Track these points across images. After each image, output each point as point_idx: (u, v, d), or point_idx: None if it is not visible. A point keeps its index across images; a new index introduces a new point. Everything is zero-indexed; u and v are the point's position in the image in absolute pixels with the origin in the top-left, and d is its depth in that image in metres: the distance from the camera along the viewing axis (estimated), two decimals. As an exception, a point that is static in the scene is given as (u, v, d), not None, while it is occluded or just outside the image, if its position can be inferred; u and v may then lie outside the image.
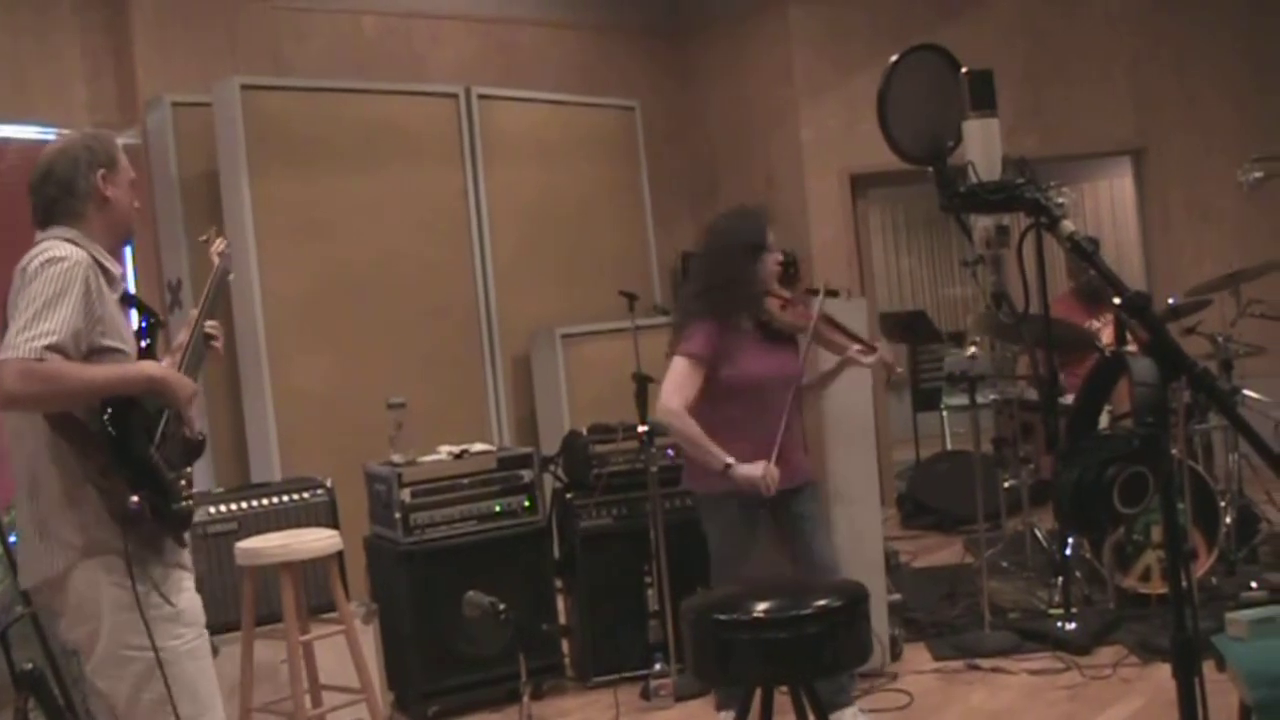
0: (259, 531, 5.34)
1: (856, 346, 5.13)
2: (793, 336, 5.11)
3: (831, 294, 5.27)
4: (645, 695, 5.79)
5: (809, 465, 5.17)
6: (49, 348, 3.20)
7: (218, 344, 3.95)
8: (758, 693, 4.04)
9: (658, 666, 5.81)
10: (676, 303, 5.34)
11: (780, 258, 5.10)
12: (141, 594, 3.39)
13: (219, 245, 4.15)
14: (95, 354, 3.37)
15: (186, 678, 3.51)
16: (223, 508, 5.51)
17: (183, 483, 3.54)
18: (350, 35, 8.63)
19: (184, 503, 3.53)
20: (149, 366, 3.51)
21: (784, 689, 4.06)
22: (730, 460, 4.81)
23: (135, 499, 3.33)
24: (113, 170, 3.60)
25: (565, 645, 6.21)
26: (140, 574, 3.40)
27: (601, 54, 10.07)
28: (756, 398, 4.92)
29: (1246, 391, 6.92)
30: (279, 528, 5.42)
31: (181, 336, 3.83)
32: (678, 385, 4.90)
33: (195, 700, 3.54)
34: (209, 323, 3.90)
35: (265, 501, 5.65)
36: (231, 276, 4.09)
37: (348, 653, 5.14)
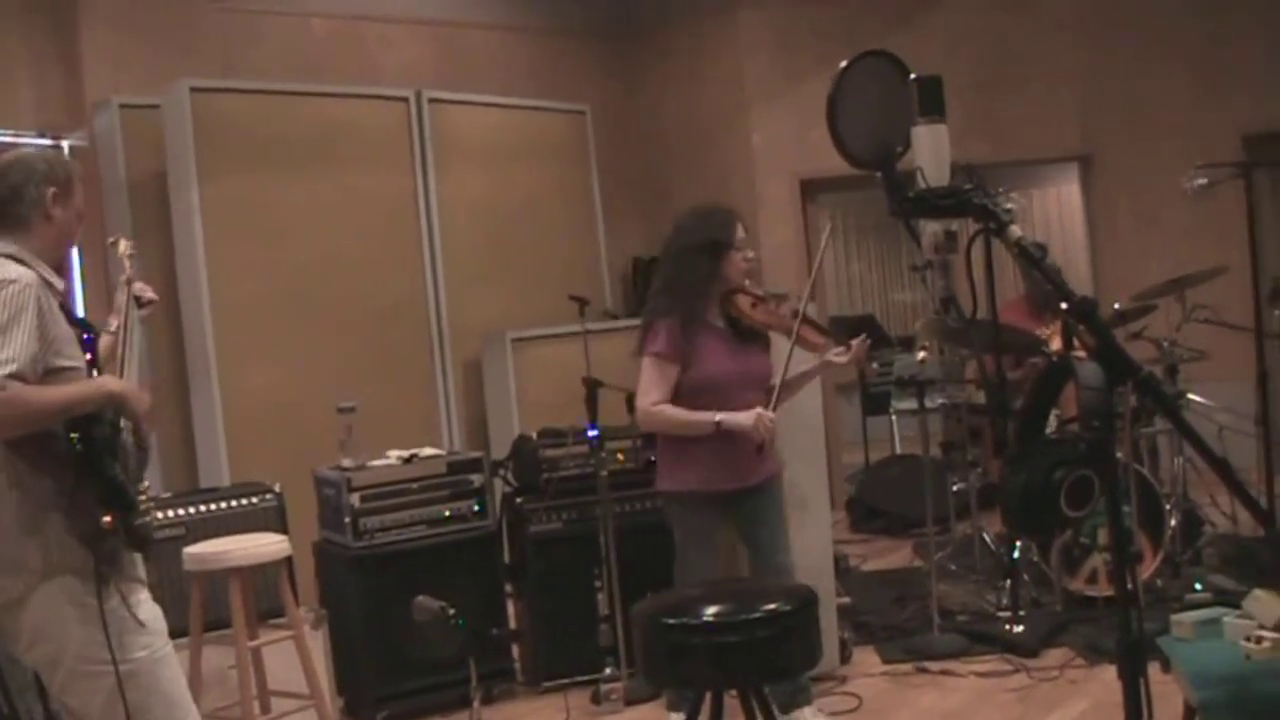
0: (207, 537, 5.31)
1: (836, 349, 5.09)
2: (763, 335, 5.09)
3: (780, 298, 5.27)
4: (596, 699, 5.78)
5: (775, 463, 5.16)
6: (10, 376, 3.17)
7: (147, 309, 3.97)
8: (708, 696, 4.05)
9: (608, 671, 5.81)
10: (644, 302, 5.31)
11: (750, 255, 5.08)
12: (107, 610, 3.37)
13: (125, 248, 4.13)
14: (50, 374, 3.35)
15: (162, 686, 3.50)
16: (171, 513, 5.47)
17: (143, 496, 3.52)
18: (300, 38, 8.59)
19: (146, 518, 3.52)
20: (108, 382, 3.50)
21: (734, 692, 4.07)
22: (717, 416, 4.79)
23: (108, 519, 3.32)
24: (65, 194, 3.58)
25: (516, 650, 6.21)
26: (105, 590, 3.38)
27: (552, 58, 10.07)
28: (721, 397, 4.89)
29: (1191, 396, 6.99)
30: (228, 533, 5.38)
31: (106, 340, 3.81)
32: (650, 384, 4.90)
33: (173, 706, 3.53)
34: (136, 285, 3.92)
35: (214, 506, 5.62)
36: (137, 285, 4.06)
37: (297, 658, 5.12)
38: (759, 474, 5.04)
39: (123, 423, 3.51)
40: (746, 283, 5.06)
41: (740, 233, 5.04)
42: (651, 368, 4.92)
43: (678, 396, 4.94)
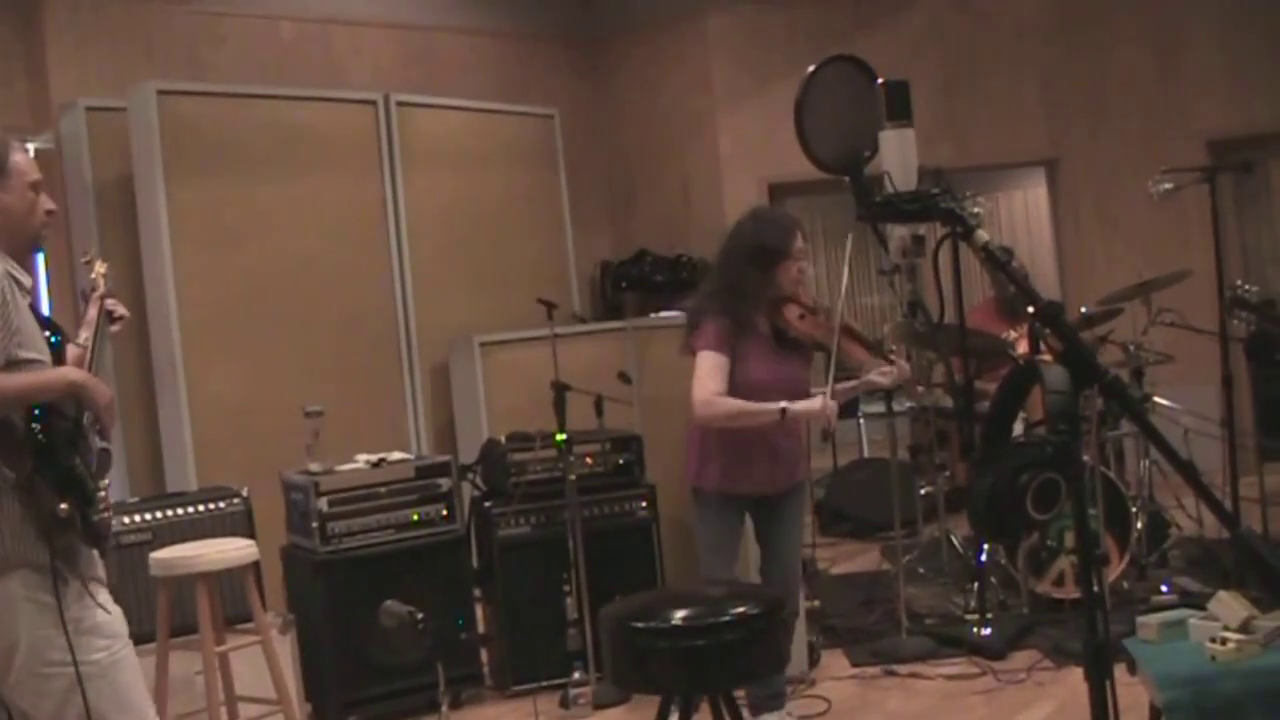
0: (174, 542, 5.29)
1: (882, 366, 5.06)
2: (805, 347, 5.06)
3: (827, 310, 5.26)
4: (564, 703, 5.78)
5: (802, 469, 5.17)
6: None
7: (118, 325, 3.95)
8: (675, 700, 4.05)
9: (576, 675, 5.80)
10: (689, 299, 5.27)
11: (803, 266, 5.05)
12: (62, 608, 3.35)
13: (100, 268, 4.11)
14: (13, 366, 3.33)
15: (116, 690, 3.47)
16: (137, 518, 5.45)
17: (101, 494, 3.50)
18: (267, 41, 8.58)
19: (104, 514, 3.50)
20: (70, 372, 3.49)
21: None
22: (783, 404, 4.74)
23: (64, 505, 3.30)
24: (3, 176, 3.50)
25: (484, 654, 6.20)
26: (63, 588, 3.36)
27: (520, 62, 10.08)
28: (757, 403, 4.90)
29: (1157, 399, 7.03)
30: (194, 538, 5.36)
31: (74, 351, 3.79)
32: (706, 375, 4.83)
33: (127, 711, 3.50)
34: (109, 300, 3.90)
35: (180, 511, 5.60)
36: (110, 301, 4.05)
37: (264, 664, 5.10)
38: (788, 480, 5.06)
39: (86, 418, 3.49)
40: (798, 292, 5.03)
41: (799, 242, 4.98)
42: (706, 360, 4.85)
43: None
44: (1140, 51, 9.88)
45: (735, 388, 4.86)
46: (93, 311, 3.93)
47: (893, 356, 5.10)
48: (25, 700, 3.42)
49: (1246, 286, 5.10)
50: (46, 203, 3.63)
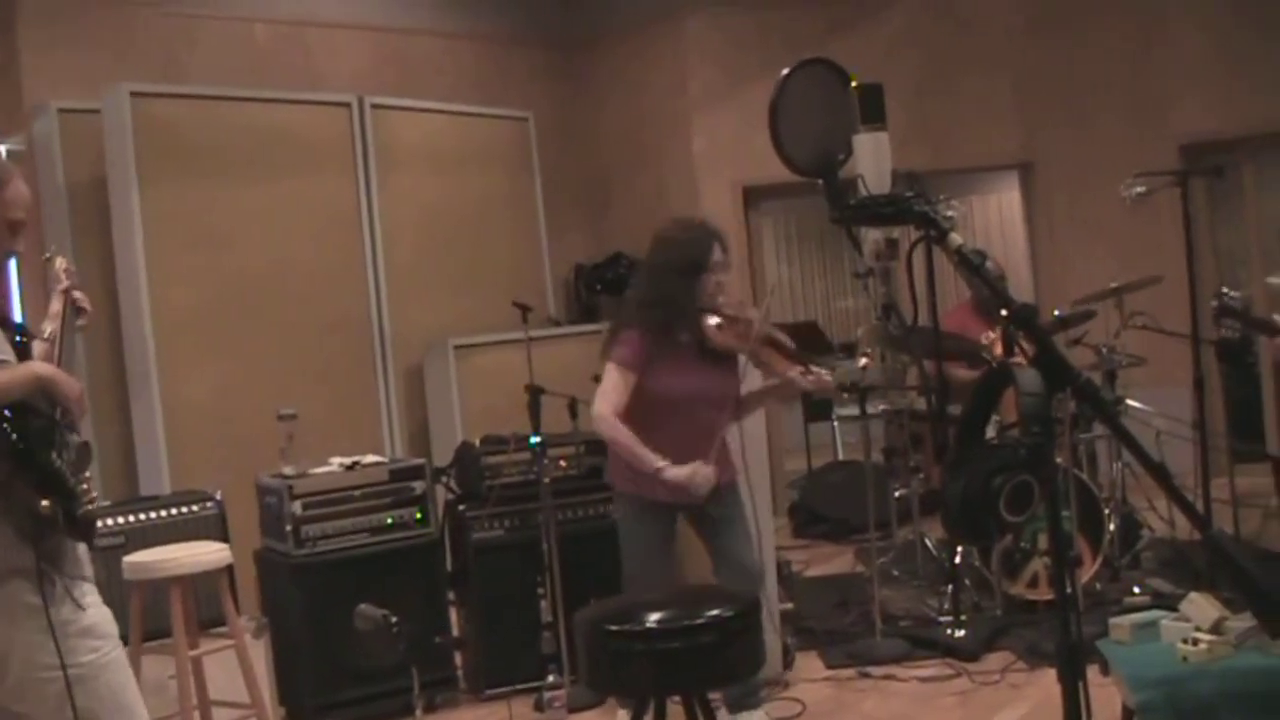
0: (147, 545, 5.27)
1: (799, 370, 5.11)
2: (733, 355, 5.09)
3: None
4: (539, 707, 5.77)
5: (731, 469, 5.17)
6: None
7: (83, 319, 3.93)
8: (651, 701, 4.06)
9: (551, 678, 5.79)
10: (615, 308, 5.33)
11: (724, 278, 5.08)
12: (52, 612, 3.33)
13: (61, 263, 4.09)
14: None
15: (110, 691, 3.46)
16: (110, 521, 5.42)
17: (84, 487, 3.49)
18: (242, 43, 8.54)
19: (89, 506, 3.48)
20: (36, 366, 3.47)
21: (677, 698, 4.08)
22: (661, 464, 4.82)
23: (45, 503, 3.28)
24: None
25: (458, 657, 6.18)
26: (51, 591, 3.35)
27: (496, 64, 10.06)
28: (682, 413, 4.93)
29: (1130, 401, 7.06)
30: (168, 541, 5.35)
31: (41, 347, 3.77)
32: (607, 391, 4.93)
33: (120, 712, 3.49)
34: (75, 293, 3.89)
35: (154, 514, 5.58)
36: (77, 294, 4.04)
37: (238, 668, 5.09)
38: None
39: (58, 413, 3.47)
40: (720, 302, 5.06)
41: (717, 254, 5.02)
42: (613, 373, 4.95)
43: (640, 408, 4.96)
44: (1114, 55, 9.92)
45: (655, 399, 4.93)
46: (56, 305, 3.91)
47: (815, 367, 5.12)
48: (25, 705, 3.41)
49: (1231, 293, 5.10)
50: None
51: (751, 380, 5.26)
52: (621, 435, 4.89)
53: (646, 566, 5.08)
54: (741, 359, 5.02)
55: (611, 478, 5.23)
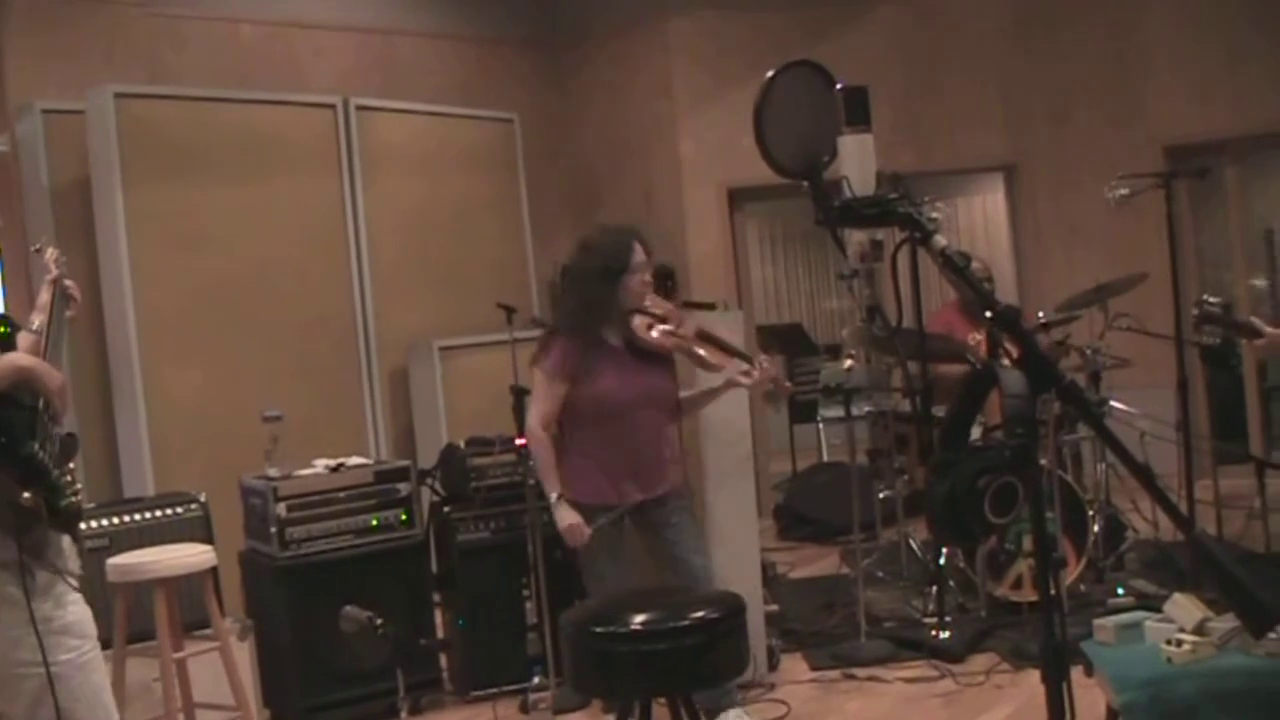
0: (131, 547, 5.26)
1: (742, 367, 5.13)
2: (666, 355, 5.12)
3: (707, 306, 5.28)
4: (524, 708, 5.77)
5: (675, 476, 5.18)
6: None
7: (71, 309, 3.93)
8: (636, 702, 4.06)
9: (536, 680, 5.80)
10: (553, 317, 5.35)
11: (648, 278, 5.11)
12: (34, 606, 3.32)
13: (52, 253, 4.09)
14: None
15: (85, 691, 3.45)
16: (94, 523, 5.41)
17: (68, 479, 3.47)
18: (228, 44, 8.53)
19: (73, 498, 3.47)
20: (17, 358, 3.46)
21: (663, 700, 4.08)
22: (554, 496, 4.97)
23: (27, 495, 3.27)
24: None
25: (443, 659, 6.18)
26: (31, 584, 3.33)
27: (481, 66, 10.06)
28: (617, 417, 4.96)
29: (1114, 402, 7.07)
30: (152, 543, 5.34)
31: (28, 338, 3.76)
32: (537, 398, 5.01)
33: (96, 713, 3.48)
34: (66, 281, 3.88)
35: (138, 516, 5.56)
36: (68, 282, 4.04)
37: (223, 670, 5.08)
38: (658, 487, 5.10)
39: (41, 405, 3.46)
40: (647, 303, 5.08)
41: (638, 255, 5.06)
42: (542, 382, 5.03)
43: (579, 414, 5.01)
44: (1099, 58, 9.94)
45: (590, 403, 4.97)
46: (45, 295, 3.90)
47: (759, 359, 5.15)
48: (1, 701, 3.40)
49: (1211, 299, 5.11)
50: None
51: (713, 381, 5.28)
52: (541, 454, 5.02)
53: (604, 572, 5.10)
54: (677, 357, 5.05)
55: (567, 493, 5.23)
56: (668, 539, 5.14)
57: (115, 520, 5.50)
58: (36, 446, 3.38)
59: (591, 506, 5.05)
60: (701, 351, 5.07)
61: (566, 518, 4.93)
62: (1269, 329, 4.56)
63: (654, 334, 5.02)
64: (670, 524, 5.13)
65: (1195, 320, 4.87)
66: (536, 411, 4.98)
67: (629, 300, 5.04)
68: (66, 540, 3.54)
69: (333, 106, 8.04)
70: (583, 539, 4.92)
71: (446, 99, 9.11)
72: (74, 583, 3.55)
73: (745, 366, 5.14)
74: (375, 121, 8.26)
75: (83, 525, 5.13)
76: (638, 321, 5.03)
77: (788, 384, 5.46)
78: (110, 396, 7.17)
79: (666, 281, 5.32)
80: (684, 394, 5.06)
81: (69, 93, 7.26)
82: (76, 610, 3.51)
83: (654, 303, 5.13)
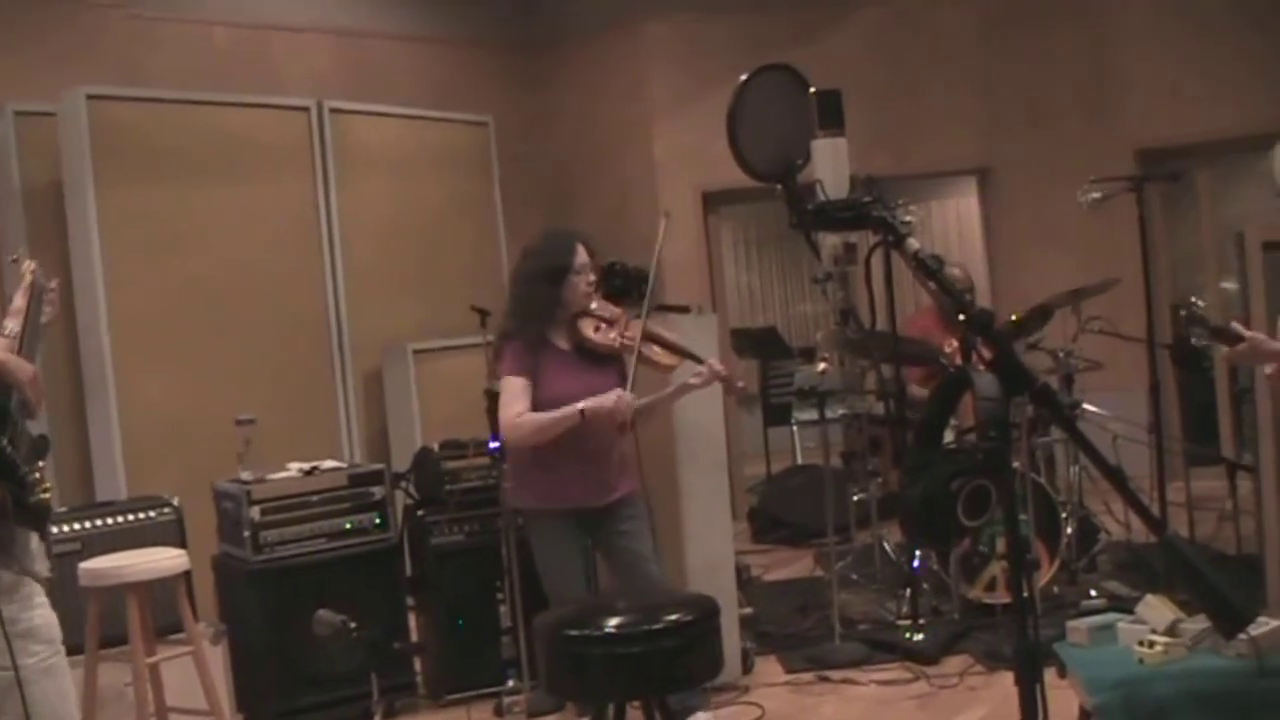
0: (104, 551, 5.24)
1: (695, 369, 5.14)
2: (615, 357, 5.12)
3: (681, 309, 5.28)
4: (499, 712, 5.77)
5: (628, 482, 5.18)
6: None
7: (49, 314, 3.91)
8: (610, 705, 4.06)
9: (510, 683, 5.79)
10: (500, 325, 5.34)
11: (591, 279, 5.11)
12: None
13: (30, 264, 4.08)
14: None
15: (45, 697, 3.43)
16: (66, 527, 5.39)
17: (36, 476, 3.45)
18: (202, 46, 8.50)
19: (42, 495, 3.45)
20: None
21: (636, 703, 4.08)
22: (580, 405, 4.84)
23: None
24: None
25: (418, 663, 6.17)
26: None
27: (456, 68, 10.05)
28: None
29: (1086, 405, 7.09)
30: (125, 547, 5.31)
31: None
32: (511, 399, 4.96)
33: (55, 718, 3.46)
34: (50, 289, 3.87)
35: (110, 520, 5.55)
36: (51, 290, 4.02)
37: (196, 675, 5.06)
38: (611, 493, 5.08)
39: (13, 404, 3.44)
40: (593, 306, 5.09)
41: (581, 256, 5.07)
42: (509, 384, 5.00)
43: None
44: (1072, 62, 9.99)
45: (540, 406, 4.95)
46: (20, 301, 3.88)
47: (707, 359, 5.17)
48: None
49: (1199, 302, 5.12)
50: None
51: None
52: (536, 419, 4.91)
53: (565, 578, 5.09)
54: (629, 362, 5.03)
55: (513, 498, 5.25)
56: (621, 545, 5.14)
57: (88, 524, 5.48)
58: (5, 441, 3.36)
59: (544, 511, 5.05)
60: (651, 353, 5.08)
61: (602, 401, 4.84)
62: (1249, 333, 4.56)
63: (602, 336, 5.04)
64: (623, 530, 5.13)
65: (1183, 320, 4.88)
66: (512, 409, 4.93)
67: (574, 301, 5.05)
68: (35, 540, 3.52)
69: (307, 109, 8.01)
70: (631, 406, 4.86)
71: (421, 102, 9.09)
72: (41, 584, 3.53)
73: (698, 368, 5.15)
74: (350, 124, 8.24)
75: (55, 529, 5.18)
76: (585, 324, 5.05)
77: (741, 384, 5.46)
78: (83, 399, 7.14)
79: (641, 285, 5.29)
80: (639, 402, 5.03)
81: (42, 94, 7.22)
82: (43, 614, 3.49)
83: (601, 306, 5.14)
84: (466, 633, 5.99)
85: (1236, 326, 4.66)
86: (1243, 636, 3.56)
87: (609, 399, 4.84)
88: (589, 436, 4.94)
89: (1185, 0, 9.63)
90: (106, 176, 7.02)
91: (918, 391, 7.10)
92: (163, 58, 8.23)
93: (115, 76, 7.75)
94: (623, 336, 5.04)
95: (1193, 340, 5.15)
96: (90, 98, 7.00)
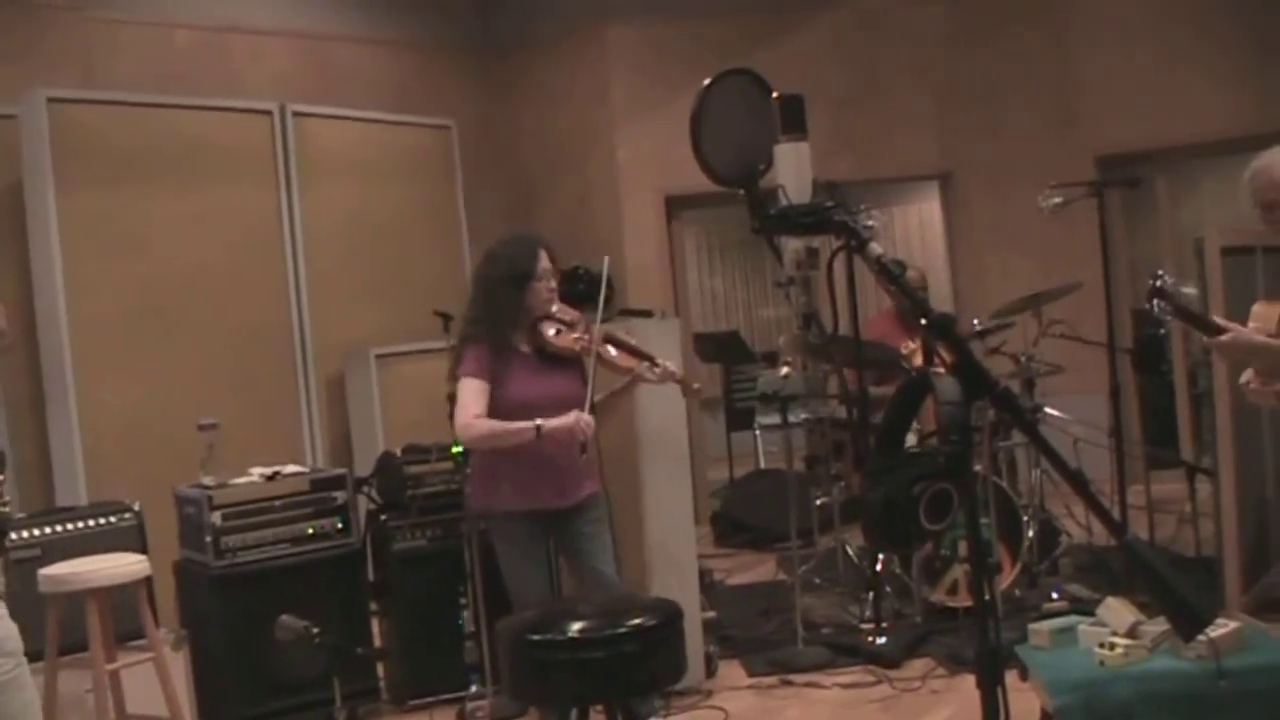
0: (64, 557, 5.21)
1: (646, 365, 5.19)
2: (575, 359, 5.13)
3: (644, 314, 5.29)
4: (462, 717, 5.76)
5: (591, 483, 5.18)
6: None
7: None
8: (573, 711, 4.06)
9: (474, 688, 5.78)
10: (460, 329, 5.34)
11: (553, 284, 5.13)
12: None
13: None
14: None
15: (10, 711, 3.41)
16: (26, 533, 5.36)
17: None
18: (163, 48, 8.45)
19: (2, 509, 3.43)
20: None
21: (599, 707, 4.08)
22: (538, 422, 4.84)
23: None
24: None
25: (381, 668, 6.15)
26: None
27: (419, 72, 10.02)
28: (530, 420, 4.95)
29: (1047, 409, 7.13)
30: (85, 553, 5.29)
31: None
32: (467, 400, 4.94)
33: None
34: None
35: (70, 526, 5.52)
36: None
37: (157, 681, 5.04)
38: (575, 494, 5.08)
39: None
40: (554, 309, 5.11)
41: (544, 262, 5.07)
42: (467, 387, 4.98)
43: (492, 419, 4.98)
44: (1033, 68, 10.04)
45: (503, 408, 4.95)
46: None
47: (661, 360, 5.20)
48: None
49: (1168, 276, 5.04)
50: None
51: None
52: (491, 425, 4.91)
53: (529, 582, 5.09)
54: (588, 364, 5.06)
55: (478, 502, 5.24)
56: (582, 548, 5.14)
57: (48, 530, 5.44)
58: None
59: (509, 514, 5.05)
60: (611, 355, 5.11)
61: (562, 420, 4.84)
62: (1232, 324, 4.57)
63: (563, 338, 5.05)
64: (585, 533, 5.13)
65: (1148, 292, 4.82)
66: (468, 412, 4.92)
67: (536, 306, 5.06)
68: None
69: (269, 112, 7.99)
70: (590, 426, 4.86)
71: (384, 106, 9.07)
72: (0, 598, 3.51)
73: (654, 368, 5.19)
74: (312, 128, 8.22)
75: (14, 535, 5.15)
76: (546, 327, 5.06)
77: (697, 386, 5.47)
78: (43, 404, 7.10)
79: (608, 289, 5.31)
80: (595, 399, 5.07)
81: (1, 96, 7.18)
82: (5, 626, 3.47)
83: (561, 310, 5.16)
84: (429, 637, 5.97)
85: (1218, 318, 4.68)
86: (1202, 638, 3.59)
87: (568, 419, 4.85)
88: (544, 443, 4.94)
89: (1146, 9, 9.70)
90: (67, 179, 6.98)
91: (880, 390, 7.11)
92: (124, 60, 8.19)
93: (76, 79, 7.71)
94: (583, 339, 5.06)
95: (1153, 310, 5.10)
96: (51, 100, 6.97)
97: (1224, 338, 4.46)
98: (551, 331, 5.06)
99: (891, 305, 7.89)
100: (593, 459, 5.11)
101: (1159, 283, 4.76)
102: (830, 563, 7.47)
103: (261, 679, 5.61)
